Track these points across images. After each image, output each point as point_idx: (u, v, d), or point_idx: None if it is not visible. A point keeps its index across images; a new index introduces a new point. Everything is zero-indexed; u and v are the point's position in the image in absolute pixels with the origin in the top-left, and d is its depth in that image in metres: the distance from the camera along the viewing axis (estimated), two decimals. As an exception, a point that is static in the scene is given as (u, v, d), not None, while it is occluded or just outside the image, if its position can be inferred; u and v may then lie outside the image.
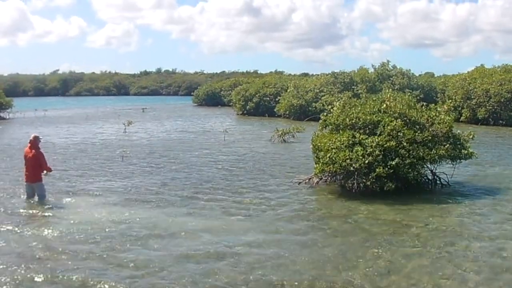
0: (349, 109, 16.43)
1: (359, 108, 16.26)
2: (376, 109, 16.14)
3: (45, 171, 14.95)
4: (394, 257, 10.25)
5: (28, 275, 9.31)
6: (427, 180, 16.48)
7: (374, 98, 17.56)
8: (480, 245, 10.98)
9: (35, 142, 14.93)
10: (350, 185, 15.24)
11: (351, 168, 14.82)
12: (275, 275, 9.23)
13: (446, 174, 16.63)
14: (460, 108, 41.37)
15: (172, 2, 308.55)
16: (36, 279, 9.17)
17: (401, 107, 15.96)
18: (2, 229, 12.19)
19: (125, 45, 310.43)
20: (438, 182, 16.58)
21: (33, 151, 14.79)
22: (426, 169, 16.20)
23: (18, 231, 12.05)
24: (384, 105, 16.14)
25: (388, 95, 16.83)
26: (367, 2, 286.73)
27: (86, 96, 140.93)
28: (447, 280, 9.13)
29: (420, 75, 59.36)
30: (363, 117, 15.75)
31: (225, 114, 59.70)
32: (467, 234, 11.78)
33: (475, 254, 10.45)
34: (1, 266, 9.76)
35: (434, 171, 16.49)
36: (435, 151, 15.21)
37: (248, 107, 55.79)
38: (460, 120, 39.79)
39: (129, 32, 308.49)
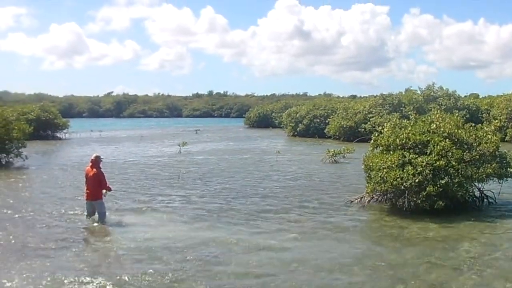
0: (399, 130, 16.84)
1: (409, 129, 16.61)
2: (426, 130, 16.49)
3: (104, 190, 15.21)
4: (445, 272, 10.63)
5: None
6: (474, 198, 16.73)
7: (423, 119, 17.92)
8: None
9: (96, 161, 15.26)
10: (401, 203, 15.51)
11: (402, 187, 15.18)
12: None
13: (493, 192, 16.92)
14: (505, 128, 41.67)
15: (225, 26, 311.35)
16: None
17: (449, 127, 16.25)
18: (62, 245, 12.54)
19: (178, 68, 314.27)
20: (485, 200, 16.88)
21: (94, 170, 15.09)
22: (473, 187, 16.43)
23: (79, 248, 12.44)
24: (434, 126, 16.47)
25: (437, 116, 17.17)
26: (413, 26, 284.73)
27: (140, 118, 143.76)
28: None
29: (465, 96, 59.22)
30: (413, 137, 16.09)
31: (276, 135, 60.53)
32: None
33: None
34: (66, 281, 10.06)
35: (481, 189, 16.80)
36: (482, 170, 15.47)
37: (298, 128, 56.64)
38: (505, 140, 39.80)
39: (182, 55, 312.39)
